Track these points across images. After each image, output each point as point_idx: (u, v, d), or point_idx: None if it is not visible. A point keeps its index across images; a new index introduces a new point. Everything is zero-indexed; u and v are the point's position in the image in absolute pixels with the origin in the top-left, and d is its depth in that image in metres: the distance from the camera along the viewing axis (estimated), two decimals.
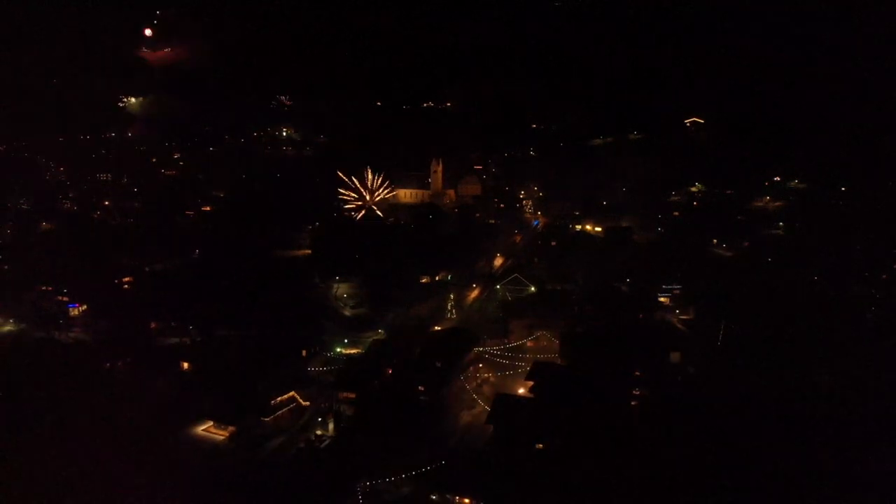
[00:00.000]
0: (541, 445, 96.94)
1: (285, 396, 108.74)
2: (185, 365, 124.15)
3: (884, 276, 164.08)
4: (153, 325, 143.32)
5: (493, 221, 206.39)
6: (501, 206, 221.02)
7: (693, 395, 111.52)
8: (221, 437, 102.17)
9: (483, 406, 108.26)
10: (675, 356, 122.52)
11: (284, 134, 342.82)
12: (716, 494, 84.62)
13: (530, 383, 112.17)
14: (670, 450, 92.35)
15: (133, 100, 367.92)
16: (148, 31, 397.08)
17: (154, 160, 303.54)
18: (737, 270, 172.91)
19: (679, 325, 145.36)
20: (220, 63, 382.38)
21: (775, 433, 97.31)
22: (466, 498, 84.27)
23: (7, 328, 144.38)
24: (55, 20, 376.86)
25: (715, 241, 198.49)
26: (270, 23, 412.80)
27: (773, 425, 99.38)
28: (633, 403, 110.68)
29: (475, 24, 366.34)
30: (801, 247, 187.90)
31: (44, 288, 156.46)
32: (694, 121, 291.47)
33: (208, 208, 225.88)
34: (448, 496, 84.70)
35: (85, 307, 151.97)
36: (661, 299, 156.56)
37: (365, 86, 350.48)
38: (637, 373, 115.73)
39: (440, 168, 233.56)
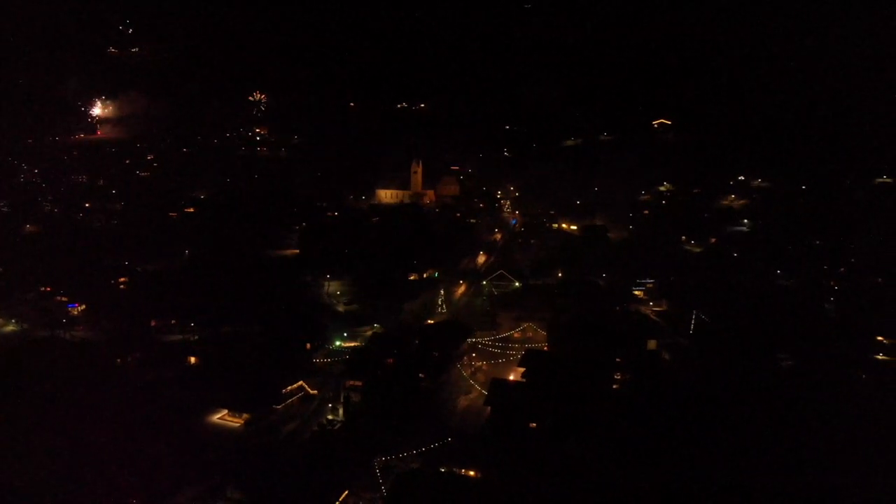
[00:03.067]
0: (534, 424, 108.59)
1: (294, 386, 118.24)
2: (193, 359, 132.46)
3: (842, 269, 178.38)
4: (153, 323, 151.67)
5: (473, 221, 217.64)
6: (481, 205, 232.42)
7: (668, 378, 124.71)
8: (237, 424, 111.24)
9: (479, 391, 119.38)
10: (651, 344, 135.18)
11: (257, 134, 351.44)
12: (687, 463, 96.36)
13: (520, 370, 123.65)
14: (649, 427, 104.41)
15: (103, 100, 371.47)
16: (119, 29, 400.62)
17: (128, 161, 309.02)
18: (705, 265, 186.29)
19: (653, 317, 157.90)
20: (192, 63, 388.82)
21: (742, 412, 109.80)
22: (471, 471, 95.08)
23: (10, 328, 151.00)
24: (24, 18, 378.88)
25: (684, 237, 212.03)
26: (241, 23, 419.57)
27: (740, 405, 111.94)
28: (614, 387, 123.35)
29: (448, 26, 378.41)
30: (764, 242, 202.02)
31: (42, 289, 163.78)
32: (661, 122, 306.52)
33: (192, 209, 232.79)
34: (454, 469, 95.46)
35: (83, 307, 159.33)
36: (636, 292, 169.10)
37: (339, 87, 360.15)
38: (617, 359, 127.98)
39: (420, 169, 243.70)
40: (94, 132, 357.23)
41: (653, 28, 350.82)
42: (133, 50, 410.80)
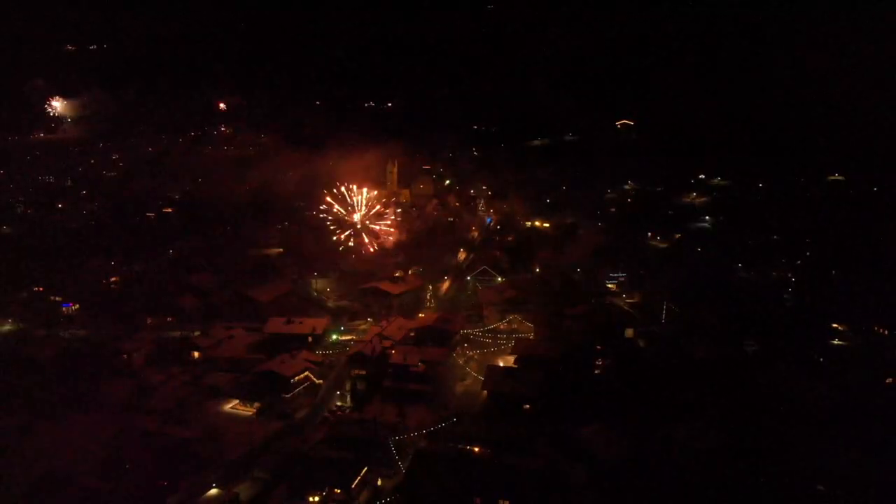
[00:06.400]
0: (527, 406, 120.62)
1: (301, 376, 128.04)
2: (196, 354, 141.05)
3: (798, 262, 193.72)
4: (149, 320, 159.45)
5: (450, 219, 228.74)
6: (457, 204, 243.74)
7: (645, 363, 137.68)
8: (250, 413, 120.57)
9: (473, 378, 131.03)
10: (629, 332, 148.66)
11: (223, 134, 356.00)
12: (664, 439, 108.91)
13: (510, 358, 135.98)
14: (629, 408, 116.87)
15: (62, 99, 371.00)
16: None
17: (93, 161, 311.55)
18: (672, 259, 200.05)
19: (626, 308, 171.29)
20: (153, 61, 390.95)
21: (713, 394, 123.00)
22: (476, 447, 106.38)
23: (7, 328, 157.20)
24: None
25: (650, 233, 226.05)
26: (201, 20, 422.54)
27: (711, 388, 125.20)
28: (596, 372, 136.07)
29: (413, 25, 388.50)
30: (725, 237, 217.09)
31: (35, 289, 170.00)
32: (624, 123, 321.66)
33: (170, 210, 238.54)
34: (461, 445, 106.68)
35: (77, 307, 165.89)
36: (609, 285, 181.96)
37: (305, 85, 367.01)
38: (598, 347, 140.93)
39: (395, 168, 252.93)
40: (54, 131, 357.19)
41: (614, 31, 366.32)
42: (91, 47, 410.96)
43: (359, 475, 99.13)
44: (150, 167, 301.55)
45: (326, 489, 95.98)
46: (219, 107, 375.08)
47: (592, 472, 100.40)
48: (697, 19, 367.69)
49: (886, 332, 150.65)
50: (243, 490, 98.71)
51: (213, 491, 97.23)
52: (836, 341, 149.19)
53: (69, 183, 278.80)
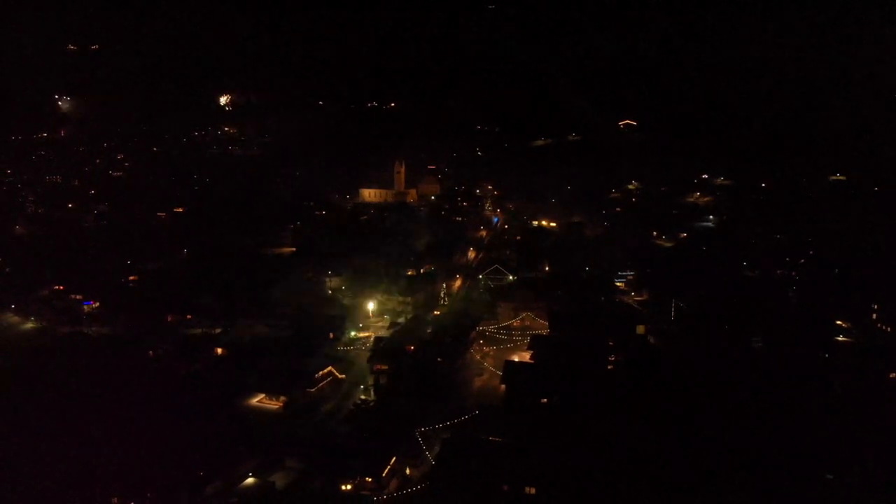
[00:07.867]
0: (545, 400, 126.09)
1: (324, 371, 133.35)
2: (219, 350, 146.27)
3: (802, 261, 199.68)
4: (169, 318, 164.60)
5: (458, 219, 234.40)
6: (465, 203, 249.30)
7: (657, 359, 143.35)
8: (276, 406, 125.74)
9: (491, 373, 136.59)
10: (640, 329, 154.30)
11: (227, 133, 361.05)
12: (675, 432, 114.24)
13: (525, 355, 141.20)
14: (642, 401, 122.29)
15: (65, 98, 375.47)
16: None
17: (98, 161, 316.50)
18: (678, 258, 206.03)
19: (635, 306, 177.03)
20: (155, 61, 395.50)
21: (722, 388, 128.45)
22: (498, 438, 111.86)
23: (29, 325, 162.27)
24: None
25: (655, 233, 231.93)
26: (202, 20, 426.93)
27: (720, 382, 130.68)
28: (609, 367, 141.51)
29: (416, 26, 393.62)
30: (729, 236, 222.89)
31: (56, 287, 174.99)
32: (627, 123, 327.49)
33: (181, 209, 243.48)
34: (482, 437, 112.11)
35: (97, 305, 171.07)
36: (618, 284, 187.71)
37: (308, 85, 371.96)
38: (611, 343, 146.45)
39: (403, 169, 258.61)
40: (58, 131, 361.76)
41: (618, 32, 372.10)
42: (93, 47, 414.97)
43: (388, 464, 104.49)
44: (154, 167, 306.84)
45: (358, 478, 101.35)
46: (222, 107, 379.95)
47: (608, 463, 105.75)
48: (701, 20, 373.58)
49: (889, 329, 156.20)
50: (278, 479, 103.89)
51: (250, 480, 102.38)
52: (840, 338, 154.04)
53: (76, 183, 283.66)
